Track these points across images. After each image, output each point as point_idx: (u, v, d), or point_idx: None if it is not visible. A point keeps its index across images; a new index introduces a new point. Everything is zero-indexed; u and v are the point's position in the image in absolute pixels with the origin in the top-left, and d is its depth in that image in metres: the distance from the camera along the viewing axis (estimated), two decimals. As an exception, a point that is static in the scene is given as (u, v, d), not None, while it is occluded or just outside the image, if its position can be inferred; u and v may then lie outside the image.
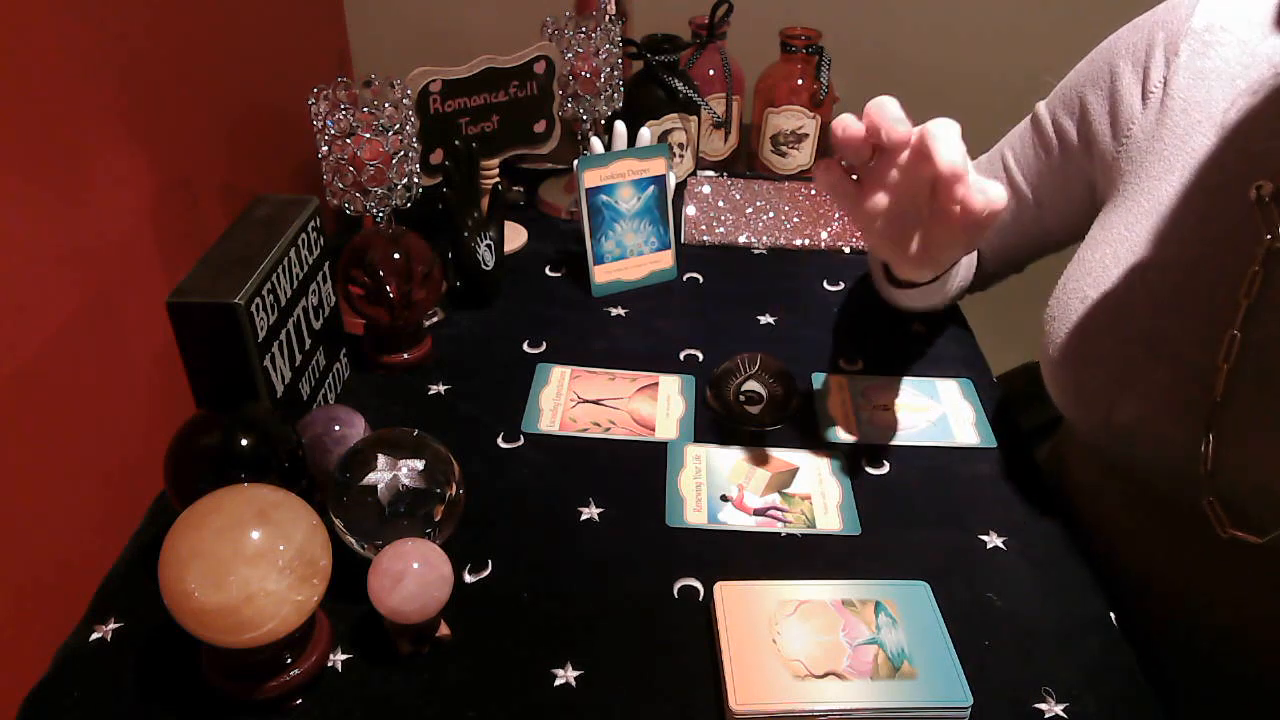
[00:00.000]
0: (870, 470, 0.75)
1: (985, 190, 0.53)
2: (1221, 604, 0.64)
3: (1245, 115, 0.61)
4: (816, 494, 0.73)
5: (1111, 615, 0.63)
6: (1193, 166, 0.63)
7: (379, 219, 0.80)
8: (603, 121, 1.06)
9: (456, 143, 0.88)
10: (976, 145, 1.62)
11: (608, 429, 0.79)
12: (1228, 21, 0.64)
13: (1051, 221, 0.80)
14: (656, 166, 0.97)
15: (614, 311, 0.95)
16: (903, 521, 0.70)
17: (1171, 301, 0.62)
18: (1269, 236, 0.58)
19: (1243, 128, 0.61)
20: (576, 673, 0.58)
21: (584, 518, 0.70)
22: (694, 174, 1.22)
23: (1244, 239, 0.59)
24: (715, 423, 0.80)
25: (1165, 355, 0.62)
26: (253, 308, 0.64)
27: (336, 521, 0.59)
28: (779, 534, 0.69)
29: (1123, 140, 0.68)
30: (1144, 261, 0.64)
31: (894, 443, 0.78)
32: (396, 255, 0.80)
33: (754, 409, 0.79)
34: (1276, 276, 0.58)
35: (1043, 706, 0.57)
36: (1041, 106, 0.79)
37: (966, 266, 0.85)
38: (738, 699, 0.55)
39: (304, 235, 0.72)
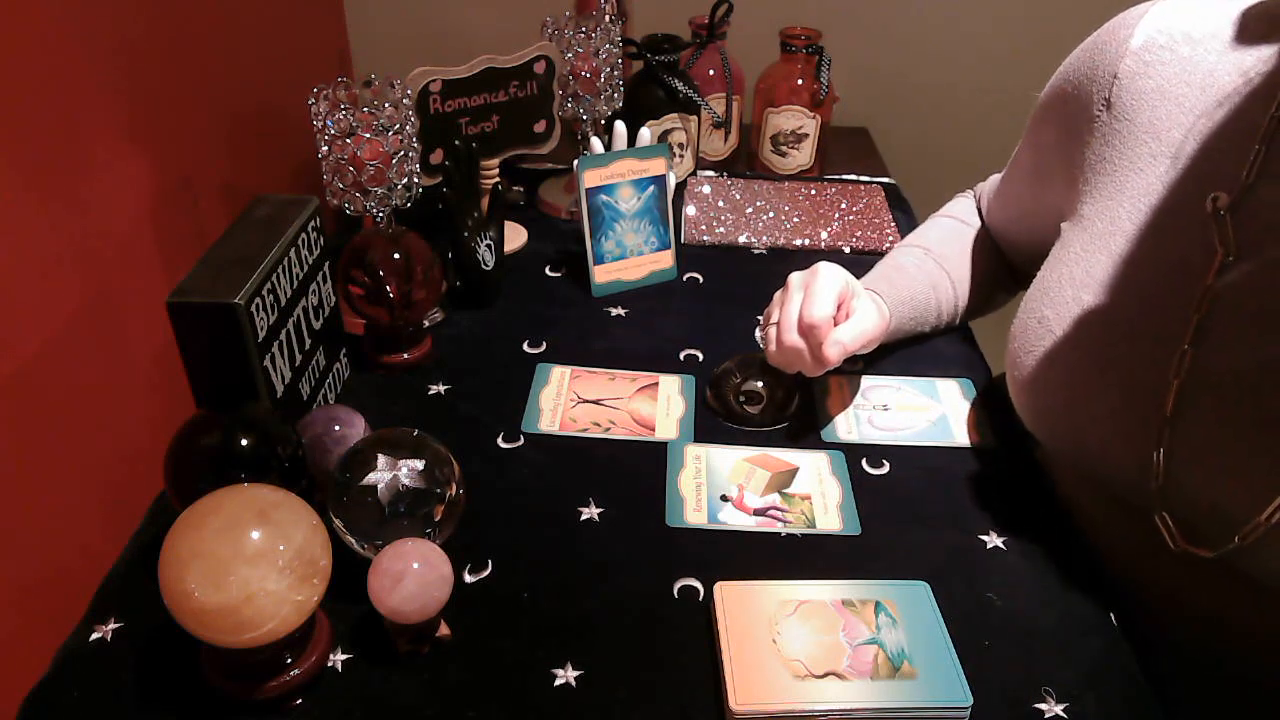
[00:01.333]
0: (870, 470, 0.75)
1: (839, 340, 0.72)
2: (1196, 610, 0.64)
3: (1191, 134, 0.61)
4: (816, 494, 0.73)
5: (1111, 615, 0.63)
6: (1143, 187, 0.63)
7: (379, 219, 0.80)
8: (603, 121, 1.06)
9: (456, 143, 0.88)
10: (976, 144, 1.61)
11: (608, 429, 0.79)
12: (1168, 40, 0.64)
13: (1039, 234, 0.80)
14: (656, 166, 0.97)
15: (614, 311, 0.95)
16: (903, 521, 0.70)
17: (1124, 324, 0.62)
18: (1221, 250, 0.58)
19: (1189, 147, 0.61)
20: (576, 673, 0.58)
21: (584, 518, 0.70)
22: (694, 174, 1.22)
23: (1196, 256, 0.59)
24: (715, 423, 0.80)
25: (1116, 378, 0.62)
26: (253, 308, 0.64)
27: (336, 521, 0.59)
28: (779, 534, 0.69)
29: (1077, 164, 0.69)
30: (1098, 285, 0.64)
31: (894, 443, 0.78)
32: (396, 255, 0.80)
33: (754, 409, 0.79)
34: (1226, 291, 0.58)
35: (1043, 706, 0.57)
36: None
37: (934, 314, 0.87)
38: (738, 699, 0.55)
39: (304, 235, 0.72)
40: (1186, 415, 0.59)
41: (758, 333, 0.81)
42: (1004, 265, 0.90)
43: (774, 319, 0.77)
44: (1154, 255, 0.62)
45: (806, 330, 0.72)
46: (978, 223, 0.91)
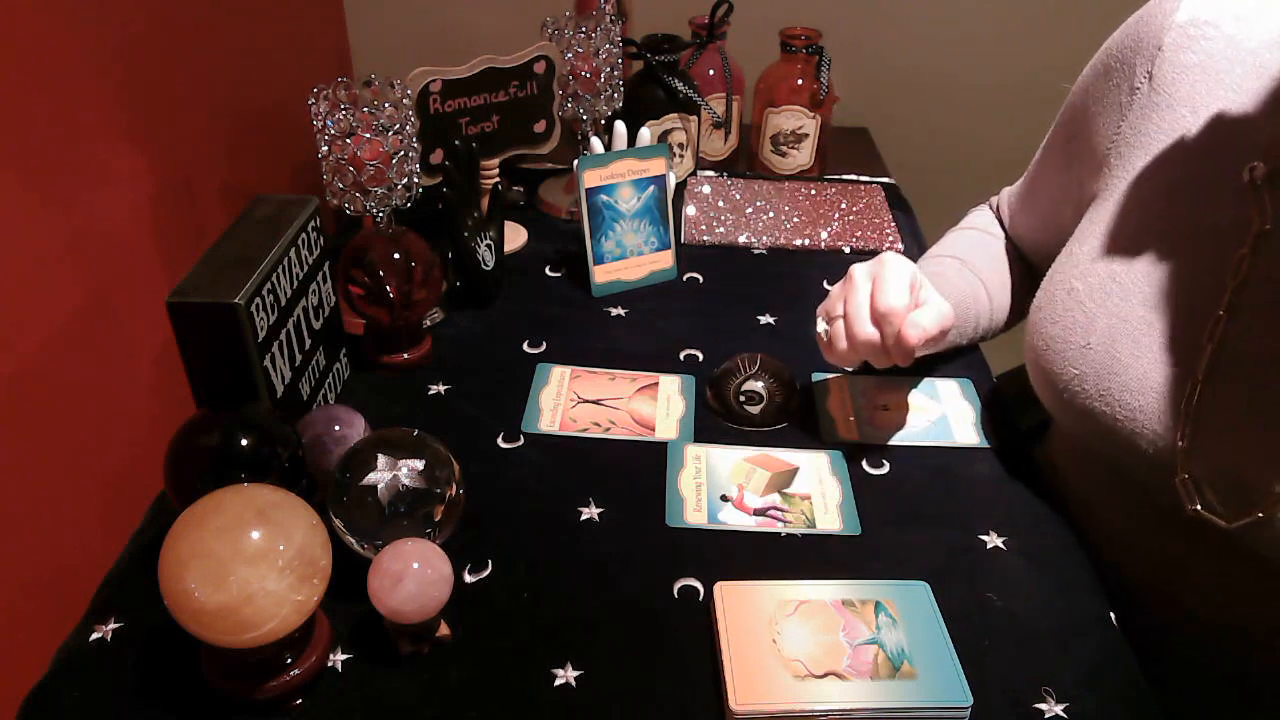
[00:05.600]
0: (870, 470, 0.75)
1: (918, 323, 0.67)
2: (1204, 597, 0.64)
3: (1232, 109, 0.62)
4: (816, 494, 0.73)
5: (1111, 615, 0.63)
6: (1176, 158, 0.64)
7: (379, 219, 0.80)
8: (603, 121, 1.06)
9: (456, 143, 0.88)
10: (976, 144, 1.61)
11: (608, 429, 0.79)
12: (1213, 16, 0.64)
13: (1069, 235, 0.78)
14: (656, 166, 0.97)
15: (614, 311, 0.95)
16: (903, 521, 0.70)
17: (1157, 292, 0.63)
18: (1259, 219, 0.58)
19: (1231, 121, 0.62)
20: (576, 673, 0.58)
21: (584, 518, 0.70)
22: (694, 174, 1.22)
23: (1232, 225, 0.60)
24: (715, 423, 0.80)
25: (1149, 345, 0.62)
26: (253, 308, 0.64)
27: (336, 521, 0.59)
28: (779, 534, 0.69)
29: (1112, 139, 0.69)
30: (1130, 253, 0.65)
31: (894, 443, 0.78)
32: (396, 255, 0.80)
33: (754, 409, 0.79)
34: (1263, 260, 0.59)
35: (1043, 706, 0.57)
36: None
37: (972, 325, 0.83)
38: (738, 699, 0.55)
39: (304, 235, 0.72)
40: (1217, 382, 0.59)
41: (820, 326, 0.74)
42: (1032, 275, 0.87)
43: (837, 312, 0.72)
44: (1188, 226, 0.63)
45: (881, 319, 0.68)
46: (1000, 233, 0.89)
